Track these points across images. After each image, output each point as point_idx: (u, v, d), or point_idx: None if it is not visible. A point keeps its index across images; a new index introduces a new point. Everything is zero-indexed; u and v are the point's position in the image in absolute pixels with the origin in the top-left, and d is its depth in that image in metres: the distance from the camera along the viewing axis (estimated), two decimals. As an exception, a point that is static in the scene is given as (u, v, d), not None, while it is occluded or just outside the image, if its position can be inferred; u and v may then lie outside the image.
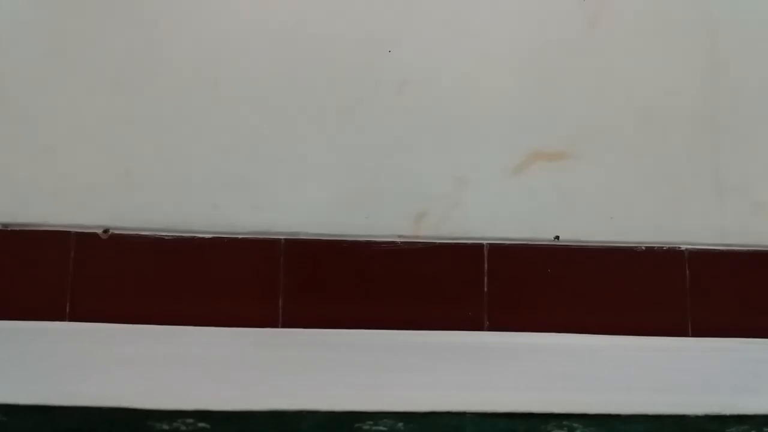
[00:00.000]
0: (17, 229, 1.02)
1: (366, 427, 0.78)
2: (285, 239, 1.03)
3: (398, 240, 1.04)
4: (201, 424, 0.77)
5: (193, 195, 1.04)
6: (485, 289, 1.02)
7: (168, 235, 1.02)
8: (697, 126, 1.07)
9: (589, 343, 0.99)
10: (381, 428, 0.78)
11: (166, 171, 1.04)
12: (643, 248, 1.04)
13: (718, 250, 1.05)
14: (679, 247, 1.04)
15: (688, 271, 1.04)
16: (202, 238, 1.02)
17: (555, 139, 1.07)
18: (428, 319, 1.01)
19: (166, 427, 0.77)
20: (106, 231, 1.02)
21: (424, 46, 1.07)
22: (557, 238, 1.04)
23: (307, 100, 1.06)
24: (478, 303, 1.02)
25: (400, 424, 0.79)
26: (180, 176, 1.04)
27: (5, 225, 1.02)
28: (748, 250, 1.05)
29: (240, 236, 1.03)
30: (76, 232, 1.02)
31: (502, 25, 1.08)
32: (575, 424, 0.80)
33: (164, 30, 1.06)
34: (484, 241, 1.04)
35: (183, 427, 0.77)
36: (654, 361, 0.96)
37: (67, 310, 0.99)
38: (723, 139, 1.07)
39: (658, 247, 1.04)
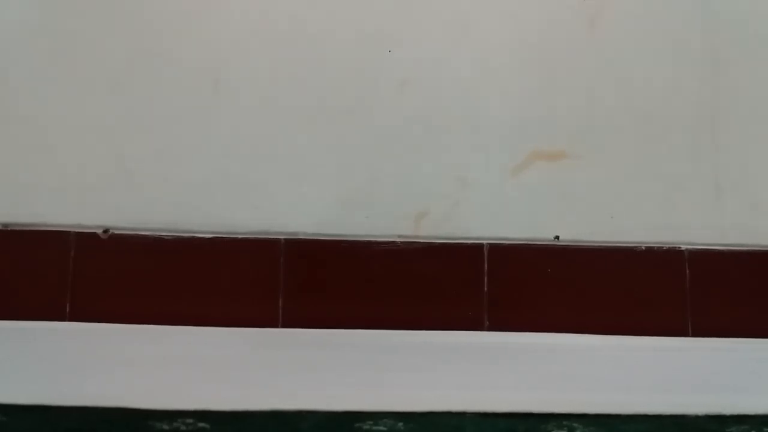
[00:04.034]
0: (17, 229, 1.02)
1: (366, 427, 0.78)
2: (285, 239, 1.03)
3: (398, 240, 1.04)
4: (201, 424, 0.77)
5: (193, 195, 1.04)
6: (485, 289, 1.02)
7: (168, 235, 1.02)
8: (697, 126, 1.07)
9: (589, 343, 0.99)
10: (381, 428, 0.78)
11: (166, 171, 1.04)
12: (643, 248, 1.04)
13: (718, 250, 1.05)
14: (679, 247, 1.04)
15: (688, 271, 1.04)
16: (202, 238, 1.02)
17: (555, 139, 1.07)
18: (428, 319, 1.01)
19: (166, 427, 0.77)
20: (106, 231, 1.02)
21: (424, 46, 1.07)
22: (557, 238, 1.04)
23: (307, 100, 1.06)
24: (478, 303, 1.02)
25: (400, 424, 0.79)
26: (180, 176, 1.04)
27: (5, 225, 1.02)
28: (748, 250, 1.05)
29: (240, 236, 1.03)
30: (76, 232, 1.02)
31: (503, 25, 1.08)
32: (575, 424, 0.80)
33: (164, 31, 1.06)
34: (484, 241, 1.04)
35: (183, 427, 0.77)
36: (654, 361, 0.96)
37: (67, 310, 1.00)
38: (723, 139, 1.07)
39: (658, 247, 1.04)
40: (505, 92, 1.07)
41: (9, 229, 1.02)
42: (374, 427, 0.78)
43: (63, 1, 1.06)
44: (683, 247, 1.04)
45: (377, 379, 0.89)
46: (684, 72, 1.08)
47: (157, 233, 1.02)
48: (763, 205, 1.06)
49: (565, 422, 0.80)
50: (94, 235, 1.02)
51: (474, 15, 1.08)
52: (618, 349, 0.98)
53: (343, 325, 1.00)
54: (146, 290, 1.01)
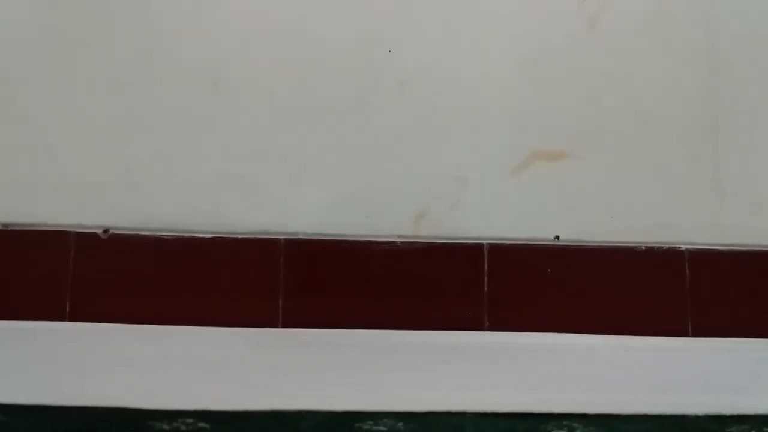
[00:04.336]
0: (17, 229, 1.02)
1: (366, 427, 0.78)
2: (285, 239, 1.03)
3: (398, 240, 1.04)
4: (201, 424, 0.77)
5: (193, 195, 1.04)
6: (485, 289, 1.02)
7: (168, 235, 1.02)
8: (697, 126, 1.07)
9: (589, 343, 0.99)
10: (381, 428, 0.78)
11: (166, 171, 1.04)
12: (643, 248, 1.04)
13: (718, 250, 1.05)
14: (679, 247, 1.04)
15: (688, 271, 1.04)
16: (202, 238, 1.02)
17: (555, 139, 1.07)
18: (428, 319, 1.01)
19: (166, 427, 0.77)
20: (106, 231, 1.02)
21: (424, 46, 1.07)
22: (557, 238, 1.04)
23: (307, 100, 1.06)
24: (478, 303, 1.02)
25: (400, 424, 0.79)
26: (180, 176, 1.04)
27: (5, 225, 1.02)
28: (748, 250, 1.05)
29: (240, 236, 1.03)
30: (76, 232, 1.02)
31: (502, 25, 1.08)
32: (575, 424, 0.80)
33: (164, 31, 1.06)
34: (484, 241, 1.04)
35: (183, 427, 0.77)
36: (654, 361, 0.96)
37: (67, 310, 1.00)
38: (723, 139, 1.07)
39: (658, 247, 1.04)
40: (505, 92, 1.07)
41: (9, 229, 1.02)
42: (374, 427, 0.78)
43: (63, 1, 1.06)
44: (683, 247, 1.04)
45: (377, 379, 0.89)
46: (684, 72, 1.08)
47: (157, 233, 1.02)
48: (763, 205, 1.06)
49: (565, 422, 0.80)
50: (94, 235, 1.02)
51: (474, 15, 1.08)
52: (618, 349, 0.98)
53: (343, 325, 1.00)
54: (146, 290, 1.01)
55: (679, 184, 1.06)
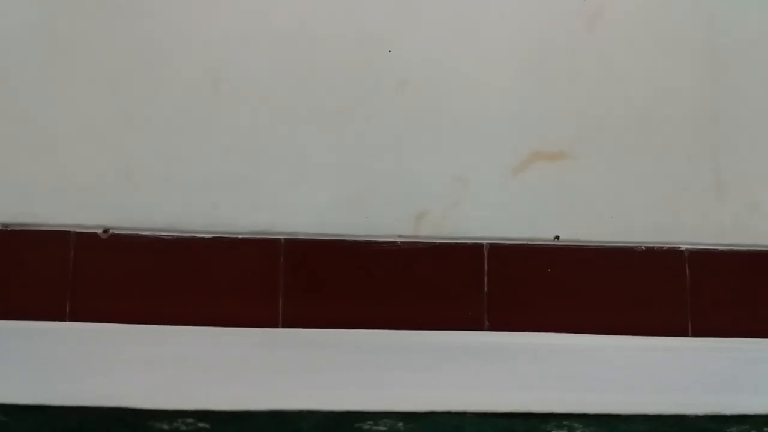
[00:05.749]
0: (17, 229, 1.02)
1: (366, 427, 0.78)
2: (285, 239, 1.03)
3: (398, 240, 1.04)
4: (201, 424, 0.77)
5: (193, 195, 1.04)
6: (485, 289, 1.02)
7: (168, 235, 1.02)
8: (697, 126, 1.07)
9: (589, 343, 0.99)
10: (381, 428, 0.78)
11: (166, 171, 1.04)
12: (643, 248, 1.04)
13: (718, 250, 1.05)
14: (679, 247, 1.04)
15: (688, 271, 1.04)
16: (202, 238, 1.02)
17: (555, 139, 1.07)
18: (428, 319, 1.01)
19: (166, 427, 0.77)
20: (106, 231, 1.02)
21: (424, 46, 1.07)
22: (557, 238, 1.04)
23: (307, 100, 1.06)
24: (478, 303, 1.02)
25: (400, 424, 0.79)
26: (180, 176, 1.04)
27: (5, 225, 1.02)
28: (748, 250, 1.05)
29: (240, 236, 1.03)
30: (76, 232, 1.02)
31: (502, 25, 1.08)
32: (575, 424, 0.80)
33: (164, 30, 1.06)
34: (484, 241, 1.04)
35: (183, 427, 0.77)
36: (654, 361, 0.96)
37: (67, 310, 1.00)
38: (723, 139, 1.07)
39: (658, 247, 1.04)
40: (505, 92, 1.07)
41: (9, 229, 1.02)
42: (374, 427, 0.78)
43: (63, 1, 1.06)
44: (683, 247, 1.04)
45: (377, 379, 0.89)
46: (684, 72, 1.08)
47: (157, 233, 1.02)
48: (763, 205, 1.06)
49: (565, 422, 0.80)
50: (94, 235, 1.02)
51: (474, 15, 1.08)
52: (618, 349, 0.98)
53: (343, 325, 1.00)
54: (146, 290, 1.01)
55: (679, 184, 1.06)
